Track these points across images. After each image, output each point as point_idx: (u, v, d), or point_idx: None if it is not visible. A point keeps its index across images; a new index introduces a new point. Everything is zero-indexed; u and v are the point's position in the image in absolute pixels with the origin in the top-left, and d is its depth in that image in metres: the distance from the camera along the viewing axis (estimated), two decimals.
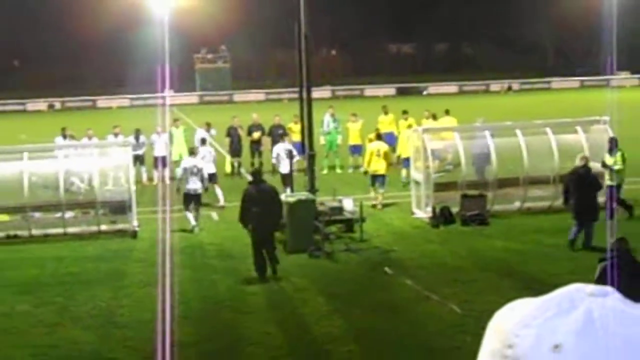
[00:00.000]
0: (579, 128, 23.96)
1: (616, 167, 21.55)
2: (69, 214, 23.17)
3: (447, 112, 33.72)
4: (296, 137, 28.13)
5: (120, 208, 22.82)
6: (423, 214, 23.04)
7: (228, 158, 32.98)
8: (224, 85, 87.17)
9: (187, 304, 15.88)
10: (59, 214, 22.92)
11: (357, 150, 32.16)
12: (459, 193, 22.81)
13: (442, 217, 22.30)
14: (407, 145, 26.95)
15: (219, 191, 25.96)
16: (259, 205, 17.75)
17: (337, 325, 14.67)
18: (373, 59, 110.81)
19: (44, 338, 14.46)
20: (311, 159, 22.61)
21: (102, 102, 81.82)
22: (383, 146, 25.49)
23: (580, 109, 37.19)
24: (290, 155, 25.26)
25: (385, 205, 24.94)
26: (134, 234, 22.12)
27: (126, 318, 15.46)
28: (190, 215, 22.65)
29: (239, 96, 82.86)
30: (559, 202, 22.79)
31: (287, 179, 25.29)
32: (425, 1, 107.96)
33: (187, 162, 23.47)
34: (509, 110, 51.91)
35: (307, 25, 22.28)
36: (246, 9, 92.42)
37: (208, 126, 32.86)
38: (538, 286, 14.73)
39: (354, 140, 32.52)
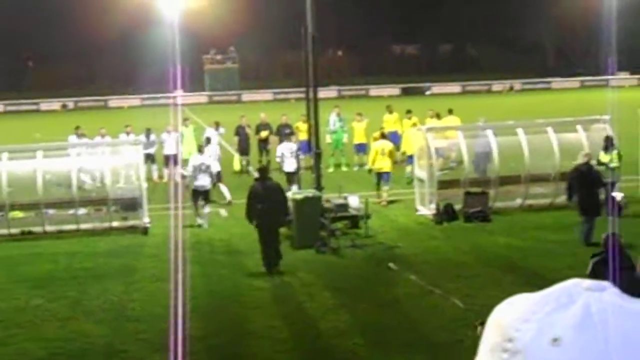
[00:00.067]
0: (579, 127, 24.13)
1: (612, 165, 21.81)
2: (81, 211, 23.43)
3: (450, 112, 34.02)
4: (303, 135, 28.46)
5: (131, 205, 23.11)
6: (427, 210, 23.27)
7: (237, 156, 33.33)
8: (232, 86, 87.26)
9: (196, 298, 15.95)
10: (72, 211, 23.21)
11: (362, 148, 32.49)
12: (462, 190, 23.05)
13: (446, 213, 22.52)
14: (412, 143, 27.27)
15: (224, 188, 26.31)
16: (265, 201, 18.02)
17: (342, 319, 14.81)
18: (378, 60, 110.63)
19: (57, 332, 14.60)
20: (318, 157, 22.80)
21: (114, 101, 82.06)
22: (387, 145, 25.80)
23: (581, 109, 37.28)
24: (296, 155, 25.83)
25: (389, 202, 25.20)
26: (145, 230, 22.41)
27: (137, 312, 15.61)
28: (199, 218, 23.10)
29: (247, 96, 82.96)
30: (560, 199, 23.09)
31: (291, 177, 25.79)
32: (429, 3, 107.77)
33: (196, 159, 23.87)
34: (511, 110, 51.87)
35: (314, 27, 22.41)
36: (254, 11, 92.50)
37: (217, 125, 33.20)
38: (539, 281, 14.86)
39: (359, 139, 32.83)
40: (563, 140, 23.76)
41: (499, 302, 1.29)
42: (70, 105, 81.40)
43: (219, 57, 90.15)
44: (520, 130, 24.08)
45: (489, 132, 24.42)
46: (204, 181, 23.20)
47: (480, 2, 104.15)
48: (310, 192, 21.13)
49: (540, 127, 24.80)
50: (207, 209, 23.21)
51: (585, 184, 18.96)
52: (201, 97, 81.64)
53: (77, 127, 31.35)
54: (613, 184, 21.63)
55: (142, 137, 29.90)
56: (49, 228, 22.77)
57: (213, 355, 13.46)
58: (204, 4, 76.26)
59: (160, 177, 31.76)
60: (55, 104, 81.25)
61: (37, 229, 22.76)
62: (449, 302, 15.16)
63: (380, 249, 19.92)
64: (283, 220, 18.98)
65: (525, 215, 22.81)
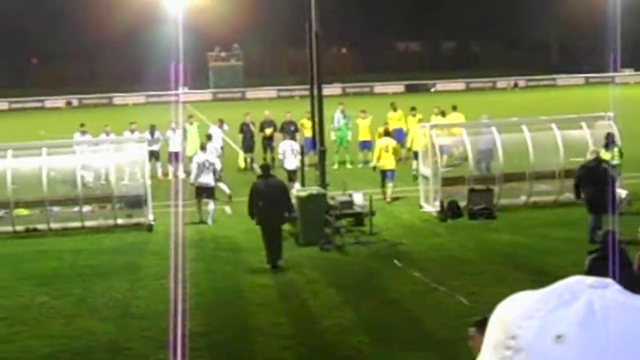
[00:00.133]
0: (583, 124, 24.10)
1: (613, 162, 21.79)
2: (86, 208, 23.50)
3: (454, 108, 34.02)
4: (308, 133, 28.53)
5: (136, 202, 23.14)
6: (431, 208, 23.27)
7: (241, 154, 33.39)
8: (236, 83, 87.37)
9: (200, 295, 16.05)
10: (76, 208, 23.23)
11: (366, 145, 32.54)
12: (466, 187, 23.06)
13: (450, 211, 22.53)
14: (418, 139, 27.30)
15: (223, 186, 26.39)
16: (267, 199, 18.05)
17: (347, 316, 14.81)
18: (382, 57, 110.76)
19: (62, 329, 14.60)
20: (322, 154, 22.82)
21: (118, 99, 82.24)
22: (391, 142, 25.81)
23: (585, 105, 37.21)
24: (298, 152, 25.91)
25: (394, 199, 25.24)
26: (149, 228, 22.44)
27: (142, 309, 15.61)
28: (203, 215, 23.15)
29: (251, 93, 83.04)
30: (565, 196, 23.11)
31: (292, 175, 25.88)
32: (433, 0, 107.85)
33: (199, 157, 23.93)
34: (515, 107, 51.90)
35: (317, 24, 22.45)
36: (258, 8, 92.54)
37: (221, 122, 33.25)
38: (544, 278, 14.82)
39: (364, 136, 32.88)
40: (567, 137, 23.75)
41: (504, 299, 1.30)
42: (75, 102, 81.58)
43: (223, 54, 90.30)
44: (524, 127, 24.07)
45: (493, 129, 24.40)
46: (207, 178, 23.26)
47: (486, 1, 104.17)
48: (315, 190, 21.13)
49: (545, 124, 24.79)
50: (211, 206, 23.25)
51: (594, 180, 18.92)
52: (205, 95, 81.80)
53: (82, 125, 31.40)
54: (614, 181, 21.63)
55: (147, 134, 29.96)
56: (53, 225, 22.80)
57: (217, 352, 13.46)
58: (208, 1, 76.36)
59: (165, 174, 31.80)
60: (59, 102, 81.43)
61: (42, 226, 22.79)
62: (454, 300, 15.15)
63: (385, 246, 19.94)
64: (285, 218, 18.96)
65: (530, 212, 22.81)
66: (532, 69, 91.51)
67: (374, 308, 15.17)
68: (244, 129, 33.00)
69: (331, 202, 21.36)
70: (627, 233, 14.57)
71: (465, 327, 13.07)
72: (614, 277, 1.30)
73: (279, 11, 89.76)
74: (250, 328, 14.47)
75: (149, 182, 23.61)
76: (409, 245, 19.92)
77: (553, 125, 24.19)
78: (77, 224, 22.84)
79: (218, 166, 24.23)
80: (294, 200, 20.31)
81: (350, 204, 21.98)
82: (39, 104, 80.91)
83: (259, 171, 23.05)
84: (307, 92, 25.00)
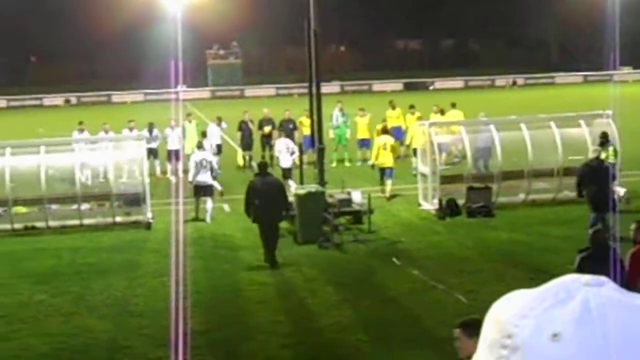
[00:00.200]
0: (582, 122, 24.13)
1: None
2: (85, 206, 23.50)
3: (453, 106, 34.10)
4: (307, 131, 28.59)
5: (134, 200, 23.15)
6: (430, 206, 23.28)
7: (240, 151, 33.42)
8: (235, 81, 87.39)
9: (199, 293, 16.04)
10: (75, 206, 23.24)
11: (365, 144, 32.57)
12: (464, 185, 23.10)
13: (449, 209, 22.56)
14: (417, 137, 27.34)
15: (215, 183, 26.40)
16: (264, 197, 18.07)
17: (345, 314, 14.82)
18: (381, 55, 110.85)
19: (60, 327, 14.61)
20: (321, 152, 22.82)
21: (117, 97, 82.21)
22: (389, 139, 25.86)
23: (584, 104, 37.30)
24: (294, 151, 26.01)
25: (392, 197, 25.26)
26: (148, 226, 22.44)
27: (141, 307, 15.62)
28: (206, 214, 23.19)
29: (250, 91, 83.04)
30: (563, 194, 23.17)
31: (287, 173, 25.99)
32: None
33: (197, 155, 23.97)
34: (514, 105, 51.93)
35: (316, 22, 22.45)
36: (257, 7, 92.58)
37: (219, 120, 33.28)
38: (542, 276, 14.83)
39: (362, 134, 32.91)
40: (566, 135, 23.79)
41: (501, 298, 1.30)
42: (73, 100, 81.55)
43: (221, 52, 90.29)
44: (523, 126, 24.09)
45: (492, 127, 24.42)
46: (205, 177, 23.30)
47: None
48: (313, 188, 21.14)
49: (543, 122, 24.82)
50: (209, 204, 23.26)
51: (596, 179, 18.94)
52: (204, 92, 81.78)
53: (80, 123, 31.39)
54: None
55: (145, 132, 29.95)
56: (52, 223, 22.80)
57: (216, 350, 13.47)
58: None
59: (163, 172, 31.81)
60: (58, 100, 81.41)
61: (41, 224, 22.80)
62: (452, 297, 15.17)
63: (383, 244, 19.95)
64: (282, 216, 18.97)
65: (529, 210, 22.83)
66: (531, 67, 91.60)
67: (372, 306, 15.18)
68: (243, 127, 33.03)
69: (330, 200, 21.35)
70: (625, 231, 14.53)
71: None
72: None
73: (277, 9, 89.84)
74: (249, 326, 14.47)
75: (147, 180, 23.60)
76: (408, 243, 19.93)
77: (552, 124, 24.21)
78: (76, 221, 22.83)
79: (215, 165, 24.25)
80: (290, 198, 20.34)
81: (348, 202, 21.99)
82: (37, 102, 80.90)
83: (256, 169, 23.08)
84: (305, 90, 25.03)
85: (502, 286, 14.94)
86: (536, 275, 15.72)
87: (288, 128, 31.46)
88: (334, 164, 32.14)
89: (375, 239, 20.38)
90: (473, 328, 7.42)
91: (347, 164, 32.92)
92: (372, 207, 21.46)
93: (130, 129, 30.59)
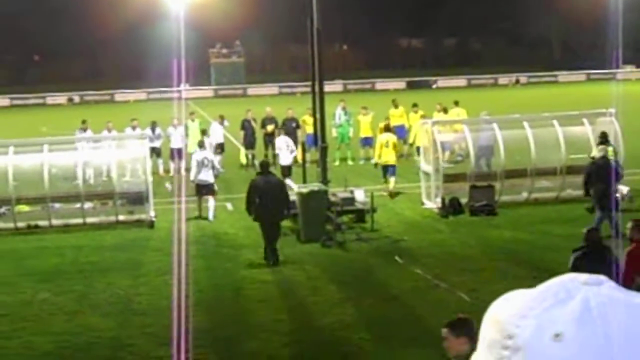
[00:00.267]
0: (585, 120, 24.16)
1: None
2: (88, 205, 23.54)
3: (456, 104, 34.17)
4: (310, 129, 28.61)
5: (137, 199, 23.17)
6: (432, 204, 23.29)
7: (242, 150, 33.44)
8: (238, 79, 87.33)
9: (202, 292, 16.09)
10: (78, 205, 23.29)
11: (368, 142, 32.60)
12: (467, 184, 23.11)
13: (451, 207, 22.56)
14: (420, 135, 27.35)
15: None
16: (266, 196, 18.11)
17: (348, 313, 14.84)
18: (384, 54, 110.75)
19: (63, 325, 14.65)
20: (323, 151, 22.84)
21: (120, 95, 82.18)
22: (392, 137, 25.89)
23: (587, 102, 37.26)
24: (294, 149, 26.12)
25: (395, 194, 25.28)
26: (151, 224, 22.46)
27: (144, 305, 15.66)
28: (209, 212, 23.21)
29: (253, 90, 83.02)
30: (566, 193, 23.19)
31: (286, 170, 26.06)
32: None
33: (198, 154, 24.01)
34: (517, 103, 51.89)
35: (319, 21, 22.43)
36: (260, 5, 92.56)
37: (221, 118, 33.28)
38: (545, 275, 14.64)
39: (365, 132, 32.92)
40: (569, 133, 23.79)
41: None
42: (77, 99, 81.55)
43: (224, 50, 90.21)
44: (526, 124, 24.08)
45: (494, 126, 24.41)
46: (206, 176, 23.35)
47: None
48: (316, 186, 21.14)
49: (546, 121, 24.81)
50: (211, 203, 23.28)
51: (603, 177, 18.94)
52: (207, 91, 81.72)
53: (83, 122, 31.40)
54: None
55: (148, 131, 30.01)
56: (55, 222, 22.82)
57: (218, 348, 13.49)
58: None
59: (166, 171, 31.83)
60: (61, 98, 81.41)
61: (44, 222, 22.81)
62: (455, 296, 15.18)
63: (386, 242, 19.96)
64: (283, 215, 18.97)
65: (531, 209, 22.82)
66: (533, 66, 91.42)
67: (375, 305, 15.19)
68: (246, 126, 33.03)
69: (332, 198, 21.32)
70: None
71: None
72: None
73: (280, 8, 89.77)
74: (251, 324, 14.49)
75: (150, 178, 23.63)
76: (410, 241, 19.94)
77: (554, 122, 24.20)
78: (79, 220, 22.86)
79: (217, 164, 24.27)
80: (293, 197, 20.37)
81: (351, 200, 22.01)
82: (40, 101, 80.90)
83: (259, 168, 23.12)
84: (308, 89, 25.02)
85: (505, 285, 14.85)
86: (539, 274, 15.66)
87: (291, 127, 31.50)
88: (337, 163, 32.13)
89: (378, 237, 20.39)
90: (460, 328, 7.43)
91: (349, 162, 32.92)
92: (375, 205, 21.49)
93: (133, 128, 30.61)
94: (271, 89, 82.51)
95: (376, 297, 15.66)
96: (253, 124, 33.20)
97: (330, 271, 17.69)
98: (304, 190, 20.69)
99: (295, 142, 28.92)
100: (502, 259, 18.03)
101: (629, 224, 12.47)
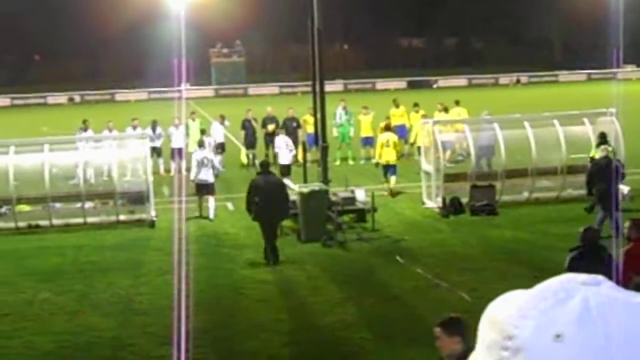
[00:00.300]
0: (586, 120, 24.16)
1: None
2: (88, 204, 23.54)
3: (457, 103, 34.19)
4: (310, 129, 28.59)
5: (138, 198, 23.18)
6: (433, 204, 23.30)
7: (243, 150, 33.44)
8: (238, 79, 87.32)
9: (202, 291, 16.08)
10: (79, 204, 23.31)
11: (368, 142, 32.61)
12: (468, 184, 23.12)
13: (452, 207, 22.57)
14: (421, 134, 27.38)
15: None
16: (265, 195, 18.11)
17: (349, 312, 14.85)
18: (384, 53, 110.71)
19: (64, 325, 14.67)
20: (324, 150, 22.85)
21: (121, 95, 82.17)
22: (392, 136, 25.91)
23: (587, 102, 37.23)
24: (293, 148, 26.17)
25: (396, 194, 25.30)
26: (151, 224, 22.47)
27: (145, 305, 15.68)
28: (209, 211, 23.22)
29: (253, 89, 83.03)
30: (567, 193, 23.20)
31: (284, 169, 26.07)
32: None
33: (198, 154, 24.04)
34: (518, 103, 51.91)
35: (320, 20, 22.44)
36: (260, 5, 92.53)
37: (222, 118, 33.28)
38: (545, 275, 14.77)
39: (366, 132, 32.93)
40: (569, 133, 23.79)
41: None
42: (77, 99, 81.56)
43: (225, 50, 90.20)
44: (526, 124, 24.08)
45: (495, 125, 24.41)
46: (206, 175, 23.38)
47: None
48: (317, 186, 21.14)
49: (547, 121, 24.81)
50: (212, 202, 23.30)
51: (605, 177, 18.95)
52: (207, 91, 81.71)
53: (84, 121, 31.40)
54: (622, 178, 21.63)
55: (149, 130, 30.03)
56: (56, 221, 22.82)
57: (219, 347, 13.50)
58: None
59: (167, 170, 31.83)
60: (62, 98, 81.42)
61: (44, 222, 22.82)
62: (456, 296, 15.18)
63: (387, 242, 19.97)
64: (282, 215, 18.98)
65: (532, 209, 22.82)
66: (534, 65, 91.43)
67: (375, 304, 15.20)
68: (246, 126, 33.03)
69: (333, 198, 21.34)
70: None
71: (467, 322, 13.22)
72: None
73: (281, 7, 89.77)
74: (252, 324, 14.48)
75: (151, 178, 23.64)
76: (411, 241, 19.95)
77: (555, 122, 24.20)
78: (80, 220, 22.87)
79: (217, 163, 24.29)
80: (294, 197, 20.38)
81: (352, 200, 22.02)
82: (41, 100, 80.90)
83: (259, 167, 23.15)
84: (309, 89, 25.03)
85: (506, 284, 14.93)
86: (539, 274, 15.52)
87: (291, 126, 31.54)
88: (338, 162, 32.14)
89: (378, 237, 20.41)
90: (453, 327, 7.43)
91: (350, 162, 32.93)
92: (376, 205, 21.49)
93: (134, 128, 30.62)
94: (272, 88, 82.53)
95: (377, 296, 15.66)
96: (254, 123, 33.20)
97: (331, 271, 17.69)
98: (305, 189, 20.68)
99: (296, 141, 28.93)
100: (502, 258, 18.04)
101: (626, 223, 12.48)
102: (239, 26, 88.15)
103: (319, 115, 22.88)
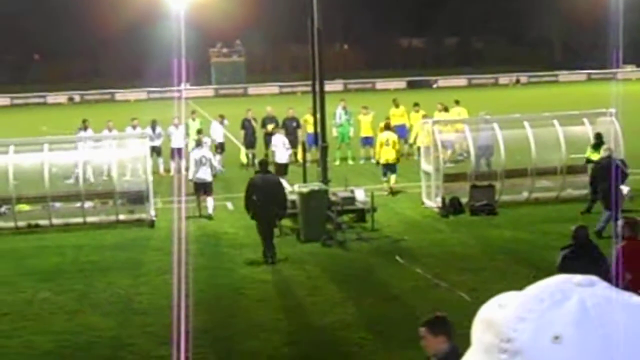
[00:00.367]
0: (585, 120, 24.15)
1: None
2: (88, 204, 23.56)
3: (457, 103, 34.20)
4: (310, 128, 28.59)
5: (138, 198, 23.18)
6: (433, 204, 23.29)
7: (243, 150, 33.44)
8: (238, 79, 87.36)
9: (202, 291, 16.08)
10: (78, 204, 23.32)
11: (368, 142, 32.62)
12: (468, 184, 23.12)
13: (452, 207, 22.57)
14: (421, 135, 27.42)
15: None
16: (263, 194, 18.14)
17: (348, 312, 14.85)
18: (384, 53, 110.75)
19: (64, 324, 14.67)
20: (324, 150, 22.85)
21: (120, 95, 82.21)
22: (392, 136, 25.93)
23: (587, 102, 37.24)
24: (286, 148, 26.24)
25: (396, 193, 25.30)
26: (151, 224, 22.47)
27: (144, 305, 15.67)
28: (208, 210, 23.23)
29: (253, 89, 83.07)
30: (566, 192, 23.21)
31: (281, 169, 26.10)
32: None
33: (196, 153, 24.09)
34: (517, 103, 51.92)
35: (320, 20, 22.44)
36: (260, 5, 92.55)
37: (221, 118, 33.30)
38: (545, 275, 14.78)
39: (365, 132, 32.94)
40: (569, 133, 23.80)
41: None
42: (77, 98, 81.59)
43: (225, 50, 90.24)
44: (526, 124, 24.08)
45: (495, 125, 24.41)
46: (204, 174, 23.42)
47: None
48: (317, 186, 21.14)
49: (547, 120, 24.81)
50: (210, 201, 23.31)
51: (608, 177, 18.96)
52: (207, 91, 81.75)
53: (84, 121, 31.40)
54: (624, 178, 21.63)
55: (148, 130, 30.03)
56: (55, 221, 22.82)
57: (218, 347, 13.49)
58: None
59: (167, 170, 31.84)
60: (61, 97, 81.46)
61: (44, 222, 22.82)
62: (455, 296, 15.18)
63: (387, 242, 19.97)
64: (280, 214, 18.99)
65: (532, 209, 22.83)
66: (534, 65, 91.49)
67: (375, 304, 15.21)
68: (246, 125, 33.04)
69: (333, 198, 21.34)
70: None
71: (467, 323, 13.21)
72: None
73: (281, 7, 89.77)
74: (251, 324, 14.48)
75: (150, 178, 23.64)
76: (411, 241, 19.94)
77: (555, 122, 24.20)
78: (79, 219, 22.87)
79: (215, 162, 24.28)
80: (294, 197, 20.38)
81: (352, 200, 22.02)
82: (41, 100, 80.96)
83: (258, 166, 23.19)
84: (309, 88, 25.02)
85: (505, 284, 14.94)
86: (539, 274, 15.63)
87: (291, 126, 31.57)
88: (337, 162, 32.15)
89: (378, 237, 20.41)
90: (439, 326, 7.44)
91: (350, 162, 32.94)
92: (376, 205, 21.48)
93: (134, 127, 30.64)
94: (272, 88, 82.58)
95: (376, 296, 15.66)
96: (253, 123, 33.21)
97: (331, 271, 17.69)
98: (305, 189, 20.69)
99: (296, 141, 28.92)
100: (502, 258, 18.04)
101: (619, 222, 12.49)
102: (239, 26, 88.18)
103: (318, 115, 22.89)
